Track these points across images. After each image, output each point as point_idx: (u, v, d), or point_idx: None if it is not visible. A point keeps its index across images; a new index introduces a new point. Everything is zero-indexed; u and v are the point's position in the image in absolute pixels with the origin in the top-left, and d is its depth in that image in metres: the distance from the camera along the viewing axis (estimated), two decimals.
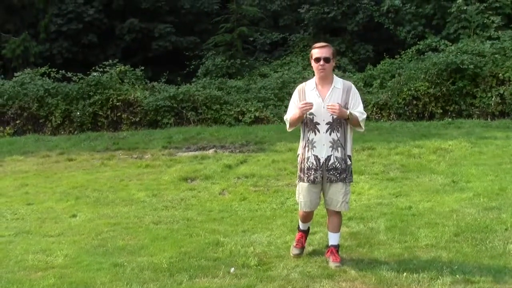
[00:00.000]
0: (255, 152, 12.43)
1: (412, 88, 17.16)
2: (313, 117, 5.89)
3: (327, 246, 6.22)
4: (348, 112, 5.82)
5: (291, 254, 6.30)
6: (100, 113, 18.05)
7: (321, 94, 5.92)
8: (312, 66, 6.01)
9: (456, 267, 5.67)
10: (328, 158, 5.90)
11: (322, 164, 5.90)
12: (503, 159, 10.77)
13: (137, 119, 17.96)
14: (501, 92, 16.72)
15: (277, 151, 12.27)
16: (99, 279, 5.85)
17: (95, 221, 8.14)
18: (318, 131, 5.89)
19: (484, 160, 10.84)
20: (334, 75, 6.08)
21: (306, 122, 5.94)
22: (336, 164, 5.91)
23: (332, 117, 5.83)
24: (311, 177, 5.94)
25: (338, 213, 6.12)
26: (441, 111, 17.08)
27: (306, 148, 5.97)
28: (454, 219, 7.34)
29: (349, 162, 5.99)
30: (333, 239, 6.15)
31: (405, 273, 5.58)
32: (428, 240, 6.58)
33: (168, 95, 18.04)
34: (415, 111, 17.23)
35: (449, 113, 17.01)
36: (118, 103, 17.99)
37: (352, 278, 5.60)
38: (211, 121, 17.65)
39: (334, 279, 5.58)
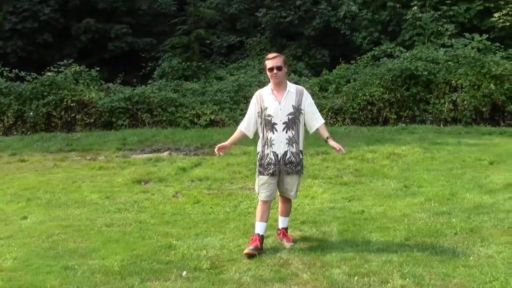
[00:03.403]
0: (210, 155, 12.41)
1: (367, 94, 17.35)
2: (271, 118, 6.58)
3: (278, 229, 6.97)
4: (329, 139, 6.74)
5: (244, 253, 6.36)
6: (54, 113, 17.83)
7: (277, 98, 6.62)
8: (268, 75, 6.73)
9: (406, 270, 5.73)
10: (285, 154, 6.61)
11: (280, 159, 6.61)
12: (454, 165, 10.96)
13: (92, 120, 17.79)
14: (454, 98, 17.03)
15: (231, 154, 12.25)
16: (49, 282, 5.75)
17: (47, 223, 8.02)
18: (276, 130, 6.58)
19: (436, 165, 11.01)
20: (287, 81, 6.81)
21: (265, 123, 6.61)
22: (292, 158, 6.64)
23: (288, 117, 6.57)
24: (271, 171, 6.61)
25: (290, 200, 6.95)
26: (395, 116, 17.31)
27: (266, 146, 6.64)
28: (405, 223, 7.43)
29: (301, 156, 6.76)
30: (284, 222, 6.97)
31: (356, 277, 5.62)
32: (380, 244, 6.64)
33: (123, 97, 17.91)
34: (369, 116, 17.42)
35: (403, 119, 17.25)
36: (72, 104, 17.80)
37: (304, 281, 5.62)
38: (166, 123, 17.58)
39: (286, 283, 5.59)
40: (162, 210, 8.65)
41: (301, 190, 9.41)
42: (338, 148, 6.60)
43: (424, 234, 6.95)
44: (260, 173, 6.68)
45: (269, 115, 6.57)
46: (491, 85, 16.75)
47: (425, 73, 17.19)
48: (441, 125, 16.71)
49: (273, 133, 6.57)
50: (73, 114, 17.86)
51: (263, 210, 6.71)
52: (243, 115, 16.71)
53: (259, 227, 6.66)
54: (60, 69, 19.52)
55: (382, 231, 7.15)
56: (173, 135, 15.08)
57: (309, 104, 6.68)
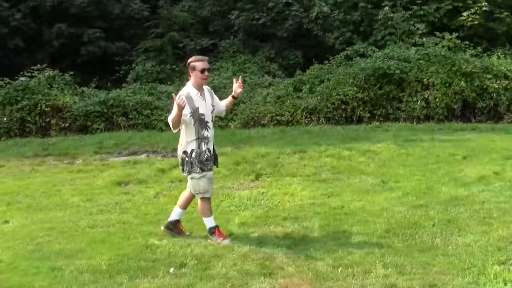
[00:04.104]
0: None
1: (340, 93, 17.51)
2: (204, 117, 6.90)
3: (178, 221, 7.37)
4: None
5: (224, 243, 6.80)
6: (28, 118, 17.74)
7: (205, 98, 7.02)
8: (191, 75, 6.98)
9: (388, 260, 5.92)
10: (214, 150, 7.13)
11: (212, 155, 7.03)
12: (428, 160, 11.20)
13: (67, 124, 17.73)
14: (426, 96, 17.29)
15: None
16: (37, 283, 5.81)
17: (29, 226, 8.03)
18: (209, 128, 7.00)
19: (411, 161, 11.24)
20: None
21: (199, 122, 6.88)
22: (215, 154, 7.17)
23: (212, 116, 7.05)
24: (210, 166, 6.99)
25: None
26: (369, 115, 17.50)
27: (202, 143, 6.91)
28: (384, 216, 7.62)
29: None
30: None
31: (340, 268, 5.78)
32: (361, 237, 6.82)
33: (98, 100, 17.89)
34: (343, 115, 17.58)
35: (377, 117, 17.44)
36: (47, 109, 17.71)
37: (290, 274, 5.76)
38: (142, 126, 17.60)
39: (272, 276, 5.72)
40: (144, 211, 8.72)
41: (280, 187, 9.66)
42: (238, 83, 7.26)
43: (403, 226, 7.14)
44: (203, 170, 6.92)
45: (202, 114, 6.87)
46: (462, 82, 17.05)
47: (397, 71, 17.41)
48: (414, 122, 16.95)
49: (208, 130, 6.94)
50: (48, 119, 17.78)
51: (210, 206, 7.18)
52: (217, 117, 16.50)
53: (213, 220, 7.12)
54: (33, 74, 19.42)
55: (363, 224, 7.33)
56: (149, 137, 15.11)
57: (217, 100, 7.25)
